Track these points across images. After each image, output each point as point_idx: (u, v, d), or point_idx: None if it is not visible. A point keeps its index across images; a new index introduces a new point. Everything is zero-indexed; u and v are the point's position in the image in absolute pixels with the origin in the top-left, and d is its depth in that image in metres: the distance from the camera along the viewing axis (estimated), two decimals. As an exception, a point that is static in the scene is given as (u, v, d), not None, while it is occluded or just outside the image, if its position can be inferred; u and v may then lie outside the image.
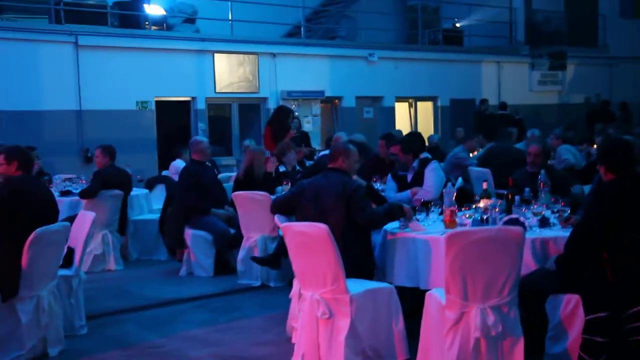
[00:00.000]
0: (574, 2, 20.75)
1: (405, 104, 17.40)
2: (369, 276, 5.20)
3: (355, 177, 6.21)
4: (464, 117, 16.46)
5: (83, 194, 7.99)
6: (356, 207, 5.05)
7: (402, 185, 6.62)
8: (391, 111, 16.54)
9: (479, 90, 17.71)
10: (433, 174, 6.48)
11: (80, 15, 12.43)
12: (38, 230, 4.86)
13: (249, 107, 14.68)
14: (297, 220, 5.24)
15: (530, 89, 18.94)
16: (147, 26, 13.68)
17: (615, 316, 4.00)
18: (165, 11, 14.72)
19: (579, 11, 20.45)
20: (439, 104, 17.45)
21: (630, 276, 4.03)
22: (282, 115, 10.22)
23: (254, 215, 7.08)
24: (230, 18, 14.52)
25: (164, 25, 14.39)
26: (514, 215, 5.05)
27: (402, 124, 16.57)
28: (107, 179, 8.05)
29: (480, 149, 10.79)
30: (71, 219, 5.88)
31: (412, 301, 5.15)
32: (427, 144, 8.90)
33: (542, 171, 5.71)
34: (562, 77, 19.30)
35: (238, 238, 7.44)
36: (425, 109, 17.62)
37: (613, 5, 20.02)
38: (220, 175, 10.09)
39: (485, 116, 15.75)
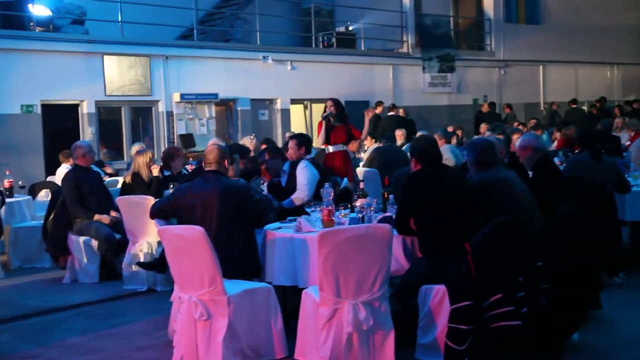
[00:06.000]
0: (461, 6, 21.54)
1: (301, 106, 17.54)
2: (256, 276, 5.26)
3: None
4: (358, 119, 16.69)
5: None
6: (254, 205, 5.18)
7: (278, 193, 6.62)
8: (286, 113, 16.64)
9: (372, 92, 18.04)
10: (303, 172, 6.55)
11: (-41, 15, 11.94)
12: None
13: (141, 110, 14.45)
14: (179, 224, 5.23)
15: (423, 91, 19.44)
16: (32, 27, 13.25)
17: (477, 304, 4.21)
18: (52, 12, 14.26)
19: (466, 15, 21.24)
20: (333, 106, 17.61)
21: (490, 269, 4.26)
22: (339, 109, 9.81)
23: (139, 219, 6.98)
24: (120, 20, 14.24)
25: (50, 26, 13.96)
26: (387, 214, 5.23)
27: (298, 126, 16.70)
28: None
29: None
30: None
31: (295, 300, 5.25)
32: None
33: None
34: (452, 80, 19.93)
35: (123, 243, 7.34)
36: (321, 111, 17.74)
37: (498, 10, 20.82)
38: (109, 180, 9.92)
39: (377, 118, 16.06)
